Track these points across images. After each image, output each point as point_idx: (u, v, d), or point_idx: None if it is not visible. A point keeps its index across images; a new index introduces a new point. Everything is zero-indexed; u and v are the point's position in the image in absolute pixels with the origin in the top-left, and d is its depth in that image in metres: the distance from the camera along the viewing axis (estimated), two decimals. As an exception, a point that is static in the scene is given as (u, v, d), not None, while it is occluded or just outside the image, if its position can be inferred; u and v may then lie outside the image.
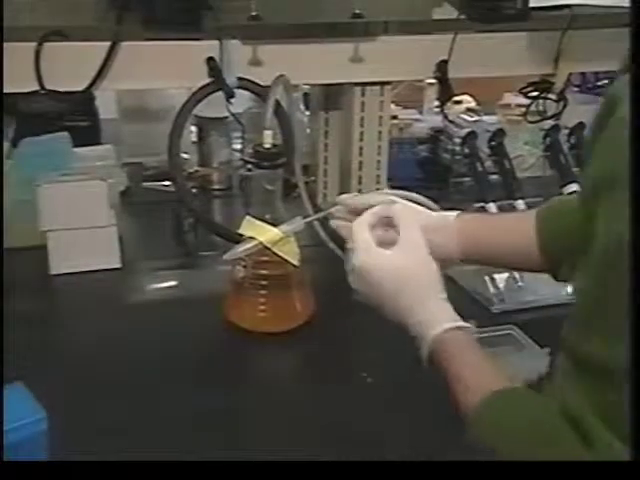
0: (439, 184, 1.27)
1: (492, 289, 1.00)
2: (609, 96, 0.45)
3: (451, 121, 1.16)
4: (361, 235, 0.65)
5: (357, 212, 0.69)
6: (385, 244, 0.65)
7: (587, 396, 0.45)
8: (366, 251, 0.64)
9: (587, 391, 0.45)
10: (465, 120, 1.22)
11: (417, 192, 1.26)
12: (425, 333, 0.60)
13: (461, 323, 0.61)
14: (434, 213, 0.72)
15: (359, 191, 1.13)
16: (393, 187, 1.26)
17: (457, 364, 0.58)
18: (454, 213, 0.72)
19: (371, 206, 0.68)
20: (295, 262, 0.89)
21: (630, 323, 0.41)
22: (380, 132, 1.12)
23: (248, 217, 0.88)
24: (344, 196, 0.73)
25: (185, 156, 1.30)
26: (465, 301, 1.00)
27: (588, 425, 0.44)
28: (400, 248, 0.64)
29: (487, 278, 1.01)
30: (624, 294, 0.41)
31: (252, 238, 0.82)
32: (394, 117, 1.36)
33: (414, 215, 0.66)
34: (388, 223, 0.67)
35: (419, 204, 0.72)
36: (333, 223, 0.73)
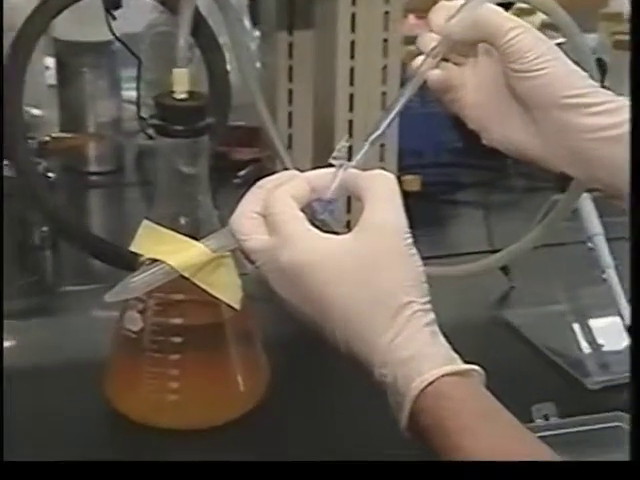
0: (489, 159, 1.28)
1: (586, 346, 1.02)
2: None
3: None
4: (286, 213, 0.66)
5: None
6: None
7: None
8: (298, 237, 0.66)
9: None
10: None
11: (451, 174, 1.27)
12: (403, 381, 0.63)
13: (462, 366, 0.64)
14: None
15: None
16: (410, 166, 1.29)
17: (460, 431, 0.61)
18: None
19: None
20: (234, 303, 0.90)
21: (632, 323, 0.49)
22: (385, 67, 1.13)
23: (148, 222, 0.88)
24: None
25: (35, 112, 1.30)
26: (536, 367, 1.02)
27: None
28: (362, 232, 0.66)
29: (577, 326, 1.03)
30: None
31: (156, 260, 0.82)
32: (410, 40, 1.37)
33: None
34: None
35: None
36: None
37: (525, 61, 0.74)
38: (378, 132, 0.75)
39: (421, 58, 0.78)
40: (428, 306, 0.65)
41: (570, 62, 0.76)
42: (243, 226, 0.68)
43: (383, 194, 0.67)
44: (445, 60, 0.78)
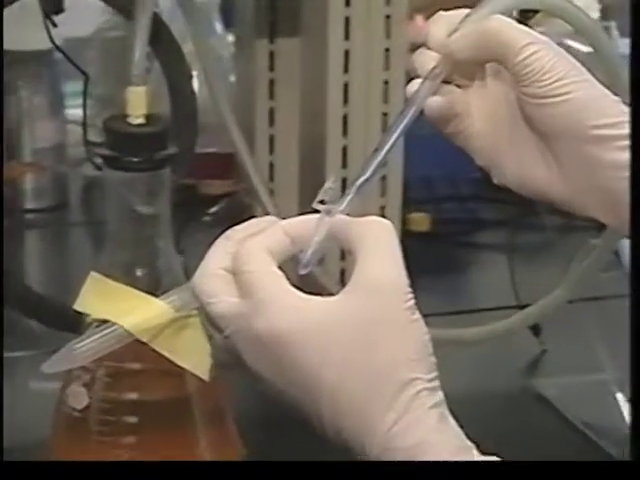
0: (514, 193, 1.29)
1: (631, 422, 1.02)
2: None
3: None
4: (261, 270, 0.66)
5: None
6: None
7: None
8: (276, 300, 0.66)
9: None
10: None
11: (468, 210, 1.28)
12: None
13: (477, 457, 0.64)
14: None
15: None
16: (418, 201, 1.29)
17: None
18: None
19: None
20: (202, 372, 0.90)
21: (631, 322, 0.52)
22: (386, 82, 1.14)
23: (96, 274, 0.89)
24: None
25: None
26: (573, 449, 1.02)
27: None
28: (354, 293, 0.66)
29: (621, 397, 1.04)
30: None
31: (106, 321, 0.82)
32: (417, 48, 1.38)
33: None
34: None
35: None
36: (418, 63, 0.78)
37: (544, 84, 0.74)
38: (366, 176, 0.73)
39: (418, 82, 0.77)
40: (435, 383, 0.65)
41: (600, 85, 0.75)
42: (209, 286, 0.68)
43: (378, 247, 0.67)
44: (446, 82, 0.78)
